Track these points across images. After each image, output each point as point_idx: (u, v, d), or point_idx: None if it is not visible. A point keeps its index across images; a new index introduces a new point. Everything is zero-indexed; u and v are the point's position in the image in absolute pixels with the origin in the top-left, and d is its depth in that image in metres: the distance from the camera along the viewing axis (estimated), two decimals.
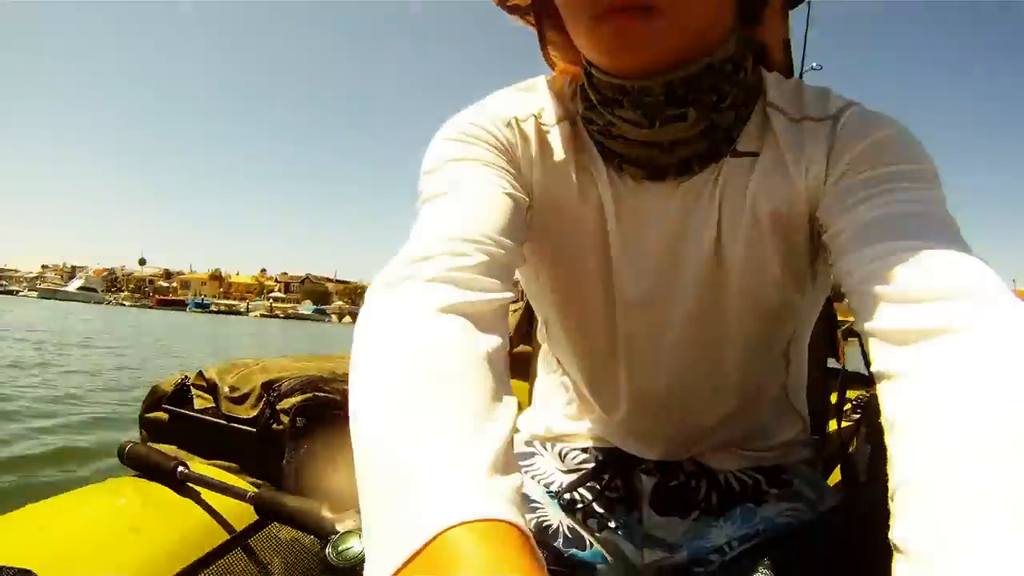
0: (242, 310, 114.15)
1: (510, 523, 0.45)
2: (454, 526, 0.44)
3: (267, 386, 1.52)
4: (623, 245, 0.91)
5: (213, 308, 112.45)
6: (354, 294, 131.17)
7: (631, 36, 0.73)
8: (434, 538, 0.43)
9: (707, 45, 0.79)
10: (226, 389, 1.55)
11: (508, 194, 0.81)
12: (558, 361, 1.13)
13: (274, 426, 1.41)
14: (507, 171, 0.85)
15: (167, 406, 1.58)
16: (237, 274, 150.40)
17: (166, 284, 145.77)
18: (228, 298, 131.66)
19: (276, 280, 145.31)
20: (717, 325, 0.93)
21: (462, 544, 0.43)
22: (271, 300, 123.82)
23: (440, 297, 0.64)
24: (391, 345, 0.60)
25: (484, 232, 0.73)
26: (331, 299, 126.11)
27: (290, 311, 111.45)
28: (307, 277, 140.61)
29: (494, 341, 0.63)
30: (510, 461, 0.52)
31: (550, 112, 0.92)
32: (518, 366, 1.68)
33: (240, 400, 1.53)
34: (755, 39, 0.89)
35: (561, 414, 1.15)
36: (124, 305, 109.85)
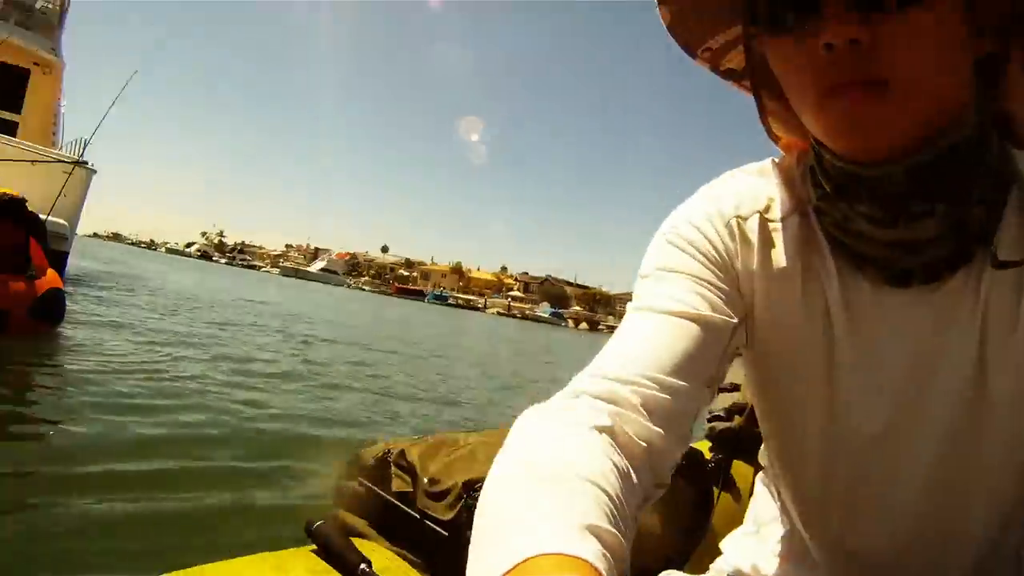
0: (479, 306, 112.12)
1: (592, 565, 0.47)
2: (539, 555, 0.47)
3: (468, 486, 1.38)
4: (854, 364, 0.78)
5: (451, 301, 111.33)
6: (592, 300, 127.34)
7: (864, 116, 0.65)
8: (522, 562, 0.47)
9: (947, 122, 0.68)
10: (426, 481, 1.43)
11: (711, 322, 0.76)
12: (777, 489, 1.03)
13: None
14: (719, 289, 0.79)
15: (364, 480, 1.51)
16: (478, 269, 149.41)
17: (406, 273, 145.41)
18: (467, 293, 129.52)
19: (516, 279, 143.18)
20: (967, 474, 0.77)
21: (542, 569, 0.46)
22: (509, 299, 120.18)
23: (595, 421, 0.64)
24: (535, 444, 0.62)
25: (665, 371, 0.71)
26: (569, 303, 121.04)
27: (527, 312, 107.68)
28: (547, 278, 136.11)
29: (628, 484, 0.60)
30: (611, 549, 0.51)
31: (779, 204, 0.82)
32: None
33: (439, 496, 1.40)
34: (998, 109, 0.74)
35: (770, 551, 1.02)
36: (364, 290, 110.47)
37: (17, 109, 15.12)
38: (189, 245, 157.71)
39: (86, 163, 12.60)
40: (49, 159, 11.48)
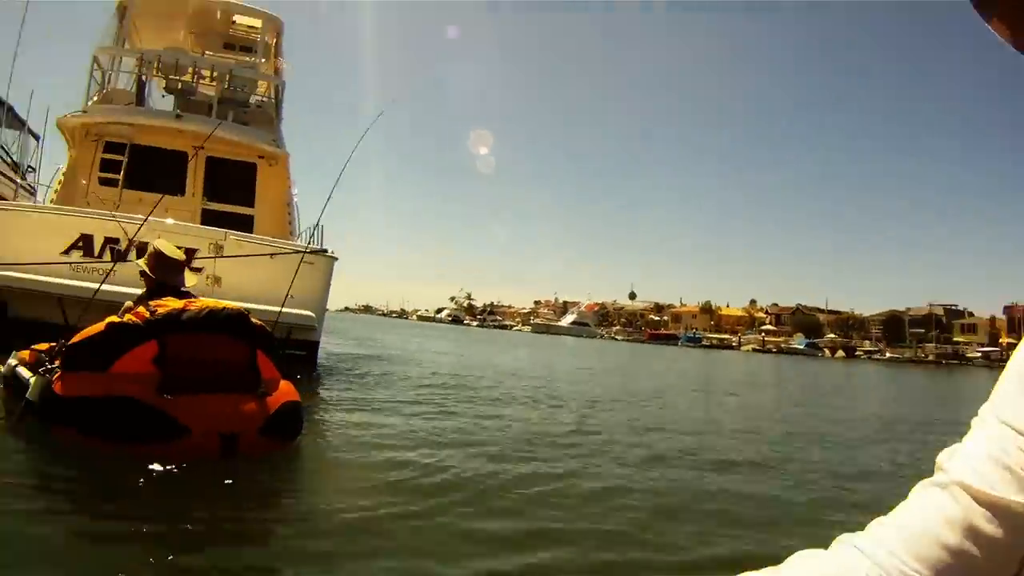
0: (733, 344, 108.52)
1: None
2: None
3: None
4: None
5: (704, 342, 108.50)
6: (846, 326, 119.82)
7: None
8: None
9: None
10: None
11: None
12: None
13: None
14: None
15: None
16: (727, 306, 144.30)
17: (656, 318, 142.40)
18: (718, 331, 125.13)
19: (766, 311, 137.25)
20: None
21: None
22: (763, 334, 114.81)
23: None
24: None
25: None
26: (822, 331, 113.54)
27: (782, 345, 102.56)
28: (798, 308, 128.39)
29: None
30: None
31: None
32: None
33: None
34: None
35: None
36: (616, 339, 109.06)
37: (250, 203, 15.04)
38: (439, 311, 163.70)
39: (325, 251, 12.06)
40: (287, 251, 10.93)
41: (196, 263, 11.05)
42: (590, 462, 6.58)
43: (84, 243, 10.83)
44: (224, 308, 5.28)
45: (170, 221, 11.69)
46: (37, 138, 29.53)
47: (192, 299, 5.42)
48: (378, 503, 4.52)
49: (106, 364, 4.86)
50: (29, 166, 29.03)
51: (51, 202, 14.46)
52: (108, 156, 14.30)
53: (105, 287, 6.76)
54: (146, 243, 10.60)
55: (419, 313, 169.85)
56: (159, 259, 5.70)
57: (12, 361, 5.83)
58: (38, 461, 4.84)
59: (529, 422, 8.78)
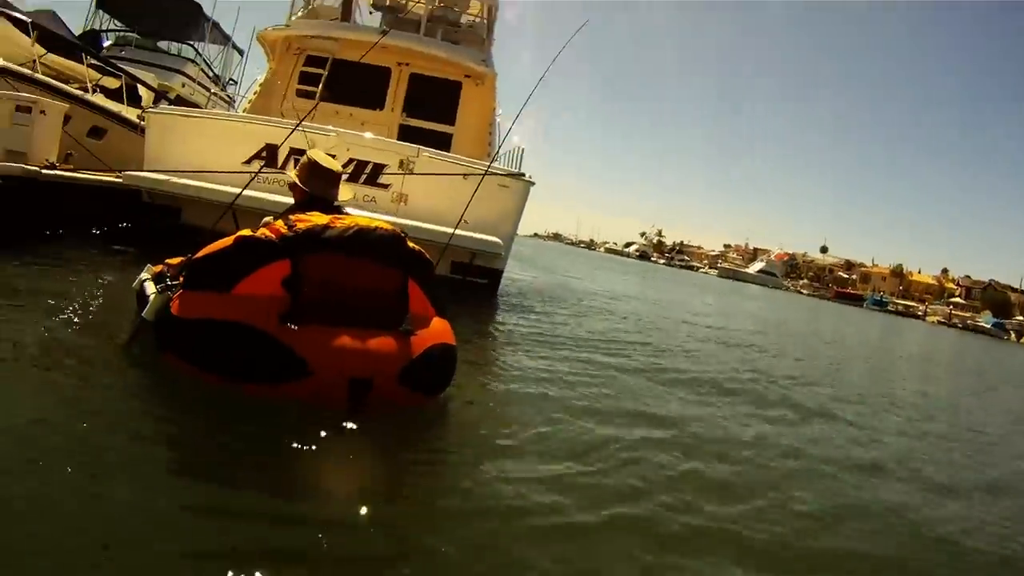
0: (919, 313, 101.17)
1: None
2: None
3: None
4: None
5: (890, 307, 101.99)
6: None
7: None
8: None
9: None
10: None
11: None
12: None
13: None
14: None
15: None
16: (919, 272, 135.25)
17: (845, 275, 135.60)
18: (906, 297, 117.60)
19: (957, 283, 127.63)
20: None
21: None
22: (950, 307, 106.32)
23: None
24: None
25: None
26: (1012, 311, 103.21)
27: (968, 321, 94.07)
28: (990, 284, 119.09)
29: None
30: None
31: None
32: None
33: None
34: None
35: None
36: (801, 293, 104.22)
37: (451, 122, 14.62)
38: (628, 245, 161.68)
39: (522, 175, 11.33)
40: (479, 172, 10.26)
41: (384, 179, 10.65)
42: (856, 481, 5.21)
43: (268, 153, 10.58)
44: (376, 227, 4.37)
45: (366, 135, 11.29)
46: (241, 52, 30.88)
47: (341, 215, 4.57)
48: (554, 497, 3.61)
49: (230, 283, 4.07)
50: (231, 79, 30.28)
51: (243, 111, 14.55)
52: (308, 69, 14.22)
53: (279, 198, 6.25)
54: (333, 155, 10.45)
55: (607, 245, 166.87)
56: (312, 169, 4.91)
57: (144, 275, 5.09)
58: (131, 392, 4.13)
59: (737, 397, 7.58)
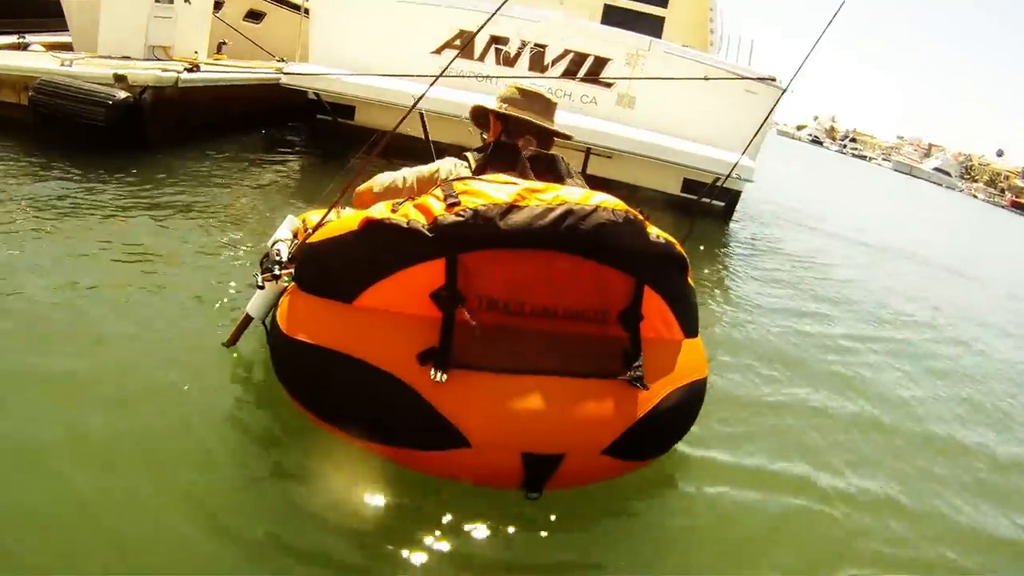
0: None
1: None
2: None
3: None
4: None
5: None
6: None
7: None
8: None
9: None
10: None
11: None
12: None
13: None
14: None
15: None
16: None
17: (1022, 184, 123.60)
18: None
19: None
20: None
21: None
22: None
23: None
24: None
25: None
26: None
27: None
28: None
29: None
30: None
31: None
32: None
33: None
34: None
35: None
36: (976, 197, 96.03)
37: (662, 3, 11.70)
38: (800, 128, 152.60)
39: (774, 79, 8.43)
40: (728, 74, 7.91)
41: (606, 75, 8.44)
42: None
43: (462, 42, 8.47)
44: (598, 207, 2.54)
45: (588, 22, 9.11)
46: None
47: (535, 183, 2.68)
48: None
49: (353, 290, 2.52)
50: None
51: None
52: None
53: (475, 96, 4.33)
54: (543, 45, 8.52)
55: (778, 128, 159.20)
56: (517, 96, 3.20)
57: (280, 232, 3.47)
58: (223, 419, 2.91)
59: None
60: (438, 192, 2.54)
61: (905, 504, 3.23)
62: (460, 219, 2.40)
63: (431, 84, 3.04)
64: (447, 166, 3.08)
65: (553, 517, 2.63)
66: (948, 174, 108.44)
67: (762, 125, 5.56)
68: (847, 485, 3.28)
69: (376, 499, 2.58)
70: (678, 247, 2.79)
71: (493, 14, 3.23)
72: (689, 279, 2.92)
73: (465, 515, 2.56)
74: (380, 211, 2.55)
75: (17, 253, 3.99)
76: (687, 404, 2.83)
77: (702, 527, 2.84)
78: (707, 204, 8.81)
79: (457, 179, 2.66)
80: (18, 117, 7.01)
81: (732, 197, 9.22)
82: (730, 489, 3.08)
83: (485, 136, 3.34)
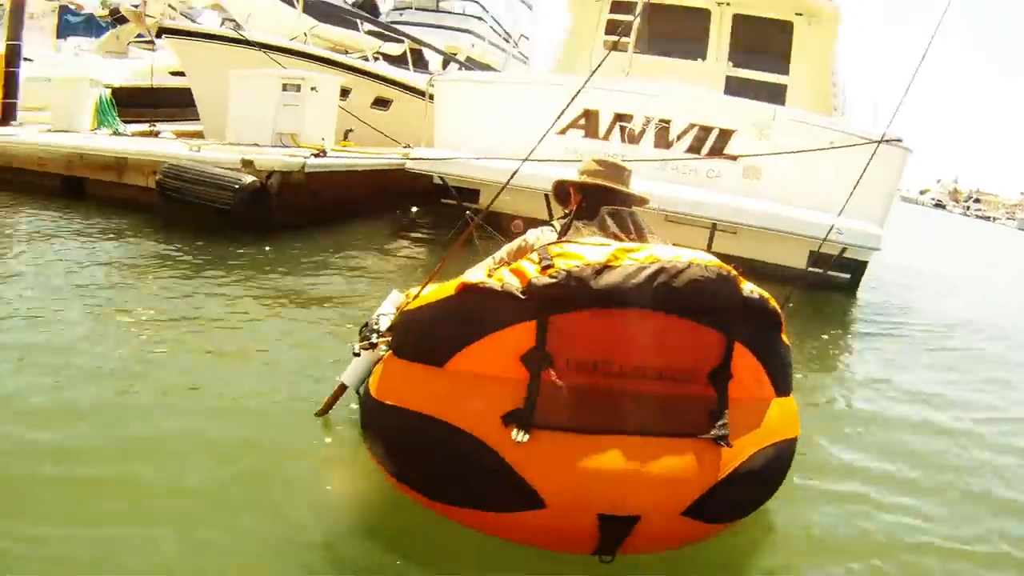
0: None
1: None
2: None
3: None
4: None
5: None
6: None
7: None
8: None
9: None
10: None
11: None
12: None
13: None
14: None
15: None
16: None
17: None
18: None
19: None
20: None
21: None
22: None
23: None
24: None
25: None
26: None
27: None
28: None
29: None
30: None
31: None
32: None
33: None
34: None
35: None
36: None
37: (783, 71, 11.49)
38: (923, 192, 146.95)
39: (899, 140, 8.11)
40: (856, 139, 7.60)
41: (731, 148, 8.24)
42: None
43: (587, 121, 8.45)
44: (691, 263, 2.53)
45: (711, 93, 9.00)
46: (529, 6, 28.66)
47: (629, 240, 2.88)
48: None
49: (445, 354, 2.53)
50: (522, 35, 28.09)
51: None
52: (615, 17, 11.77)
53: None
54: (667, 121, 8.42)
55: (901, 194, 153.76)
56: (588, 167, 3.36)
57: (385, 306, 3.50)
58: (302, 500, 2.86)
59: None
60: (533, 256, 2.55)
61: None
62: (553, 280, 2.41)
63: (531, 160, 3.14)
64: (534, 234, 3.16)
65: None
66: None
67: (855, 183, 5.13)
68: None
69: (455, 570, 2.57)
70: (772, 302, 2.71)
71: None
72: (783, 336, 2.85)
73: None
74: (476, 276, 2.59)
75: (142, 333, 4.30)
76: (774, 464, 2.75)
77: None
78: (833, 277, 8.45)
79: (553, 243, 2.66)
80: (147, 201, 7.25)
81: (858, 267, 8.80)
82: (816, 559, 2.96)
83: (566, 211, 3.38)
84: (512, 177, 3.15)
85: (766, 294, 2.71)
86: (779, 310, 2.77)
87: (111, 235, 6.45)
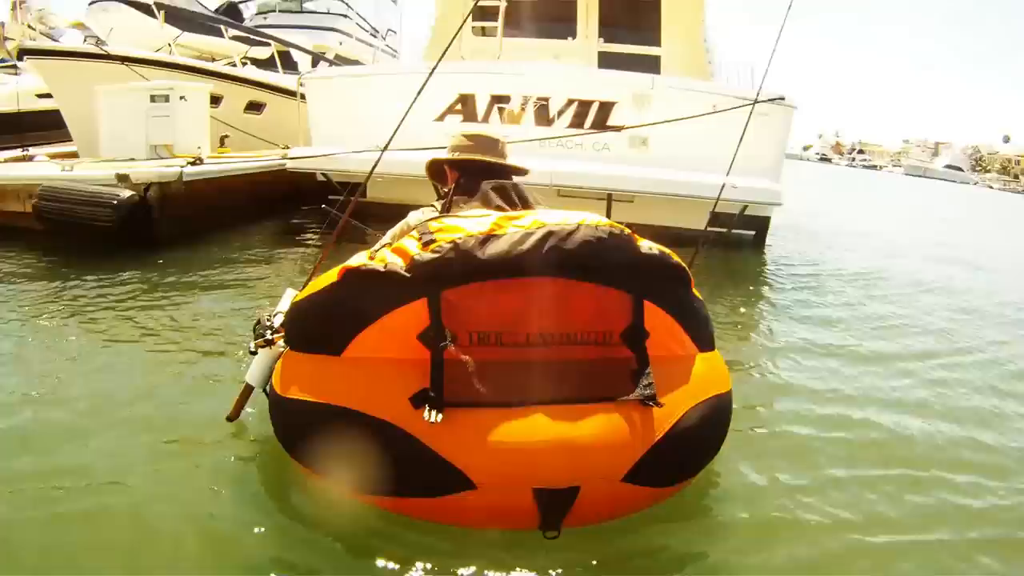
0: None
1: None
2: None
3: None
4: None
5: None
6: None
7: None
8: None
9: None
10: None
11: None
12: None
13: None
14: None
15: None
16: None
17: None
18: None
19: None
20: None
21: None
22: None
23: None
24: None
25: None
26: None
27: None
28: None
29: None
30: None
31: None
32: None
33: None
34: None
35: None
36: (991, 188, 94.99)
37: (656, 42, 11.66)
38: (806, 148, 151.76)
39: (782, 98, 8.17)
40: (736, 101, 7.60)
41: (614, 120, 8.17)
42: None
43: (464, 105, 8.38)
44: (580, 225, 2.47)
45: (587, 68, 8.91)
46: (395, 0, 28.49)
47: (512, 207, 2.80)
48: None
49: (341, 342, 2.45)
50: (390, 29, 27.89)
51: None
52: (484, 3, 11.61)
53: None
54: (546, 99, 8.26)
55: (785, 152, 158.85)
56: (465, 142, 3.23)
57: (282, 304, 3.27)
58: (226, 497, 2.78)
59: None
60: (414, 234, 2.49)
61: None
62: (437, 255, 2.35)
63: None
64: (415, 216, 3.05)
65: (573, 556, 2.43)
66: (960, 169, 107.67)
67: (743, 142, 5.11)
68: (891, 506, 3.00)
69: (391, 552, 2.43)
70: (674, 257, 2.66)
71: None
72: (694, 290, 2.80)
73: (481, 562, 2.39)
74: (358, 259, 2.50)
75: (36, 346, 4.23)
76: (712, 420, 2.67)
77: (744, 552, 2.62)
78: (736, 235, 8.61)
79: (431, 219, 2.59)
80: (25, 226, 6.92)
81: (761, 224, 8.96)
82: (773, 512, 2.87)
83: (444, 189, 3.29)
84: (376, 165, 3.16)
85: (666, 250, 2.64)
86: (683, 264, 2.69)
87: None
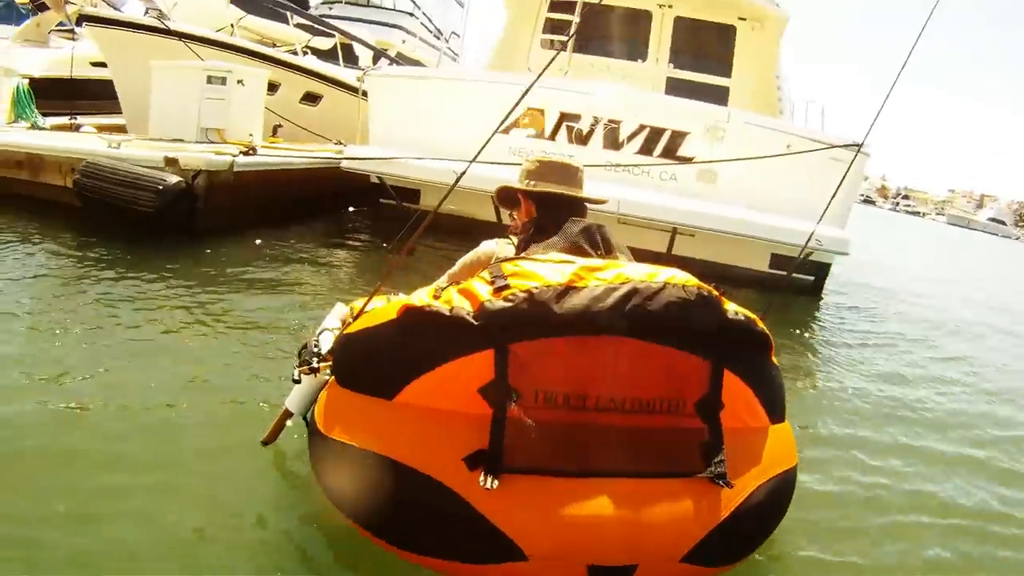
0: None
1: None
2: None
3: None
4: None
5: None
6: None
7: None
8: None
9: None
10: None
11: None
12: None
13: None
14: None
15: None
16: None
17: None
18: None
19: None
20: None
21: None
22: None
23: None
24: None
25: None
26: None
27: None
28: None
29: None
30: None
31: None
32: None
33: None
34: None
35: None
36: None
37: (726, 73, 11.26)
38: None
39: (859, 145, 7.32)
40: (815, 144, 7.27)
41: (684, 150, 7.89)
42: None
43: (532, 120, 8.12)
44: (666, 283, 2.28)
45: (659, 94, 8.61)
46: (461, 3, 28.20)
47: (595, 251, 2.59)
48: None
49: (393, 386, 2.26)
50: (453, 32, 27.62)
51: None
52: (554, 16, 11.45)
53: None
54: (617, 122, 7.99)
55: None
56: (537, 169, 2.92)
57: (329, 321, 3.19)
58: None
59: None
60: (485, 274, 2.32)
61: None
62: (510, 304, 2.16)
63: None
64: (489, 247, 2.88)
65: None
66: (1003, 223, 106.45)
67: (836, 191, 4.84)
68: None
69: None
70: (759, 324, 2.50)
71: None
72: (773, 358, 2.64)
73: None
74: (421, 297, 2.34)
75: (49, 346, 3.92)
76: (775, 498, 2.51)
77: None
78: (797, 280, 8.25)
79: (506, 260, 2.41)
80: (64, 201, 6.69)
81: (822, 270, 8.62)
82: None
83: (515, 215, 3.04)
84: (459, 180, 2.82)
85: (752, 315, 2.48)
86: (767, 332, 2.53)
87: (22, 240, 5.91)
